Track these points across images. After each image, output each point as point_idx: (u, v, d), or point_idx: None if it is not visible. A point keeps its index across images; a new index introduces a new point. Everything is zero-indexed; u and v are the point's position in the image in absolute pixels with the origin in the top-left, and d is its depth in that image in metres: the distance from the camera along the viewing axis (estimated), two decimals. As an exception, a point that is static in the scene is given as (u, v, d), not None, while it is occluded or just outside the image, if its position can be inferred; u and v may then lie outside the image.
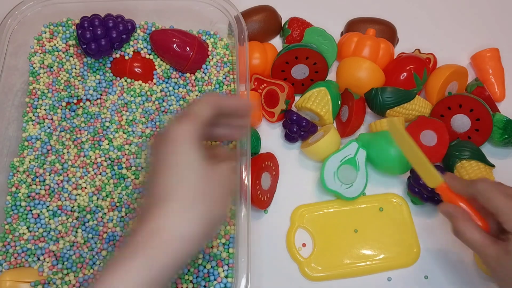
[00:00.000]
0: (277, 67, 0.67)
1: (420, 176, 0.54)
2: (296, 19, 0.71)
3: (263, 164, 0.61)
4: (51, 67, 0.66)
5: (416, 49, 0.72)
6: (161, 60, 0.67)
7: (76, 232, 0.58)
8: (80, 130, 0.63)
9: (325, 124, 0.65)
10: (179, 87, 0.66)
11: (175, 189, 0.36)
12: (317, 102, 0.63)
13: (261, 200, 0.60)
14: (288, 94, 0.64)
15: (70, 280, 0.55)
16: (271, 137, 0.68)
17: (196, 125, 0.39)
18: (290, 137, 0.65)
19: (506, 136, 0.63)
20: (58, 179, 0.60)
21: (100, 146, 0.62)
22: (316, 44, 0.68)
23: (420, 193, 0.60)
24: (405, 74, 0.66)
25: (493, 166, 0.63)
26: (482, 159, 0.62)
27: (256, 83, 0.67)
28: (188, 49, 0.64)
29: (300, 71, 0.67)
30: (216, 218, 0.38)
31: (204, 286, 0.55)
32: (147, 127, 0.63)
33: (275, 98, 0.66)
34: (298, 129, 0.64)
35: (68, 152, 0.61)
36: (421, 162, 0.53)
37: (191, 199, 0.36)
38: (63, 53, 0.66)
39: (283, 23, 0.73)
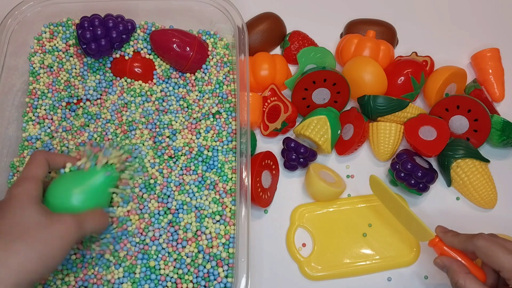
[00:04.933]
0: (297, 94, 0.65)
1: (410, 232, 0.55)
2: (298, 33, 0.71)
3: (263, 162, 0.61)
4: (51, 67, 0.66)
5: (413, 52, 0.72)
6: (161, 60, 0.67)
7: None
8: (81, 131, 0.63)
9: (324, 153, 0.65)
10: (179, 87, 0.66)
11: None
12: (316, 130, 0.62)
13: (262, 198, 0.60)
14: (289, 118, 0.64)
15: (70, 281, 0.54)
16: (270, 137, 0.68)
17: (34, 185, 0.47)
18: (289, 165, 0.64)
19: (505, 138, 0.63)
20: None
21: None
22: (315, 62, 0.66)
23: (407, 179, 0.61)
24: (402, 78, 0.66)
25: (488, 161, 0.63)
26: (476, 156, 0.62)
27: (270, 93, 0.67)
28: (188, 49, 0.64)
29: (320, 95, 0.65)
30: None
31: (204, 286, 0.55)
32: (146, 128, 0.63)
33: (276, 115, 0.65)
34: (297, 156, 0.63)
35: (68, 152, 0.61)
36: (408, 217, 0.54)
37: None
38: (63, 53, 0.66)
39: (287, 31, 0.73)
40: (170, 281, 0.55)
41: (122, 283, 0.54)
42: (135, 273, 0.55)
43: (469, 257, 0.50)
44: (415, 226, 0.53)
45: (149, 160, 0.61)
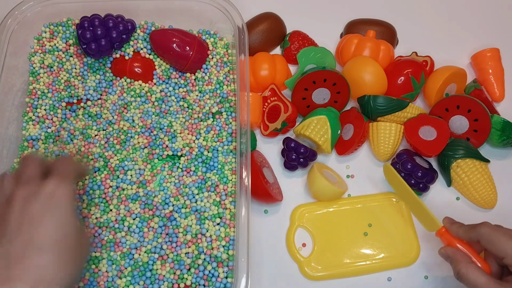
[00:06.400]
0: (297, 94, 0.65)
1: (418, 221, 0.56)
2: (298, 33, 0.71)
3: (258, 161, 0.61)
4: (51, 67, 0.66)
5: (413, 52, 0.72)
6: (161, 60, 0.67)
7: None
8: (89, 144, 0.62)
9: (324, 153, 0.65)
10: (179, 87, 0.66)
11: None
12: (316, 130, 0.62)
13: (275, 193, 0.61)
14: (289, 118, 0.63)
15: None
16: (270, 137, 0.68)
17: (73, 187, 0.47)
18: (289, 165, 0.64)
19: (505, 138, 0.63)
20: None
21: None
22: (315, 62, 0.66)
23: (407, 179, 0.61)
24: (402, 78, 0.65)
25: (488, 161, 0.63)
26: (476, 156, 0.62)
27: (270, 93, 0.67)
28: (188, 48, 0.64)
29: (320, 95, 0.65)
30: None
31: (204, 285, 0.55)
32: (146, 128, 0.63)
33: (276, 115, 0.65)
34: (297, 156, 0.63)
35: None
36: (418, 207, 0.55)
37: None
38: (63, 53, 0.66)
39: (287, 31, 0.73)
40: (167, 280, 0.55)
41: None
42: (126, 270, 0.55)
43: (475, 249, 0.50)
44: (424, 215, 0.54)
45: (148, 162, 0.61)
